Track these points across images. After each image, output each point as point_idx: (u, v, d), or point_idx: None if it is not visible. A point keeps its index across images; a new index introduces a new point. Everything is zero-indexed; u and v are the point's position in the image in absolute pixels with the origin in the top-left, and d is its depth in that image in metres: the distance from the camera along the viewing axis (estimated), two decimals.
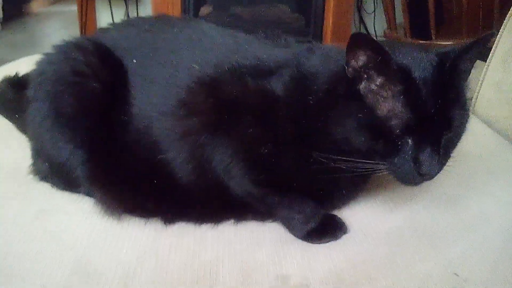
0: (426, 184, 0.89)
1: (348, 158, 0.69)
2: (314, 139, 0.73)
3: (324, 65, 0.75)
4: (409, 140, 0.68)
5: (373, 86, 0.68)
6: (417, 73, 0.67)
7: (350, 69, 0.68)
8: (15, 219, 0.80)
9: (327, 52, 0.80)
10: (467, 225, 0.81)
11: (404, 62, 0.68)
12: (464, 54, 0.70)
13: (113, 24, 0.98)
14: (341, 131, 0.70)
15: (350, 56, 0.67)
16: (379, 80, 0.68)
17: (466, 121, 0.73)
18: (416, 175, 0.69)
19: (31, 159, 0.90)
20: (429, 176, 0.70)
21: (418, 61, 0.69)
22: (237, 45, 0.84)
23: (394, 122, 0.67)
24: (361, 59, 0.67)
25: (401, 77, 0.67)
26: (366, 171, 0.71)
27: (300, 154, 0.74)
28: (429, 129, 0.68)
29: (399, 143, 0.68)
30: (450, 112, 0.69)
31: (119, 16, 3.48)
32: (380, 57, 0.65)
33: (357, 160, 0.69)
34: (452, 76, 0.70)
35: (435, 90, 0.67)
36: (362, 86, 0.69)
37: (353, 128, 0.69)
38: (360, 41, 0.65)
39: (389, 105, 0.67)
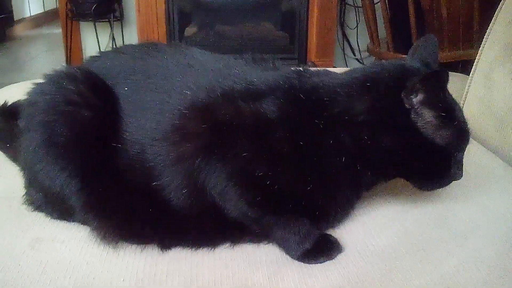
0: (416, 198, 0.91)
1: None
2: (318, 160, 0.75)
3: (340, 92, 0.77)
4: (458, 155, 0.80)
5: (431, 119, 0.74)
6: (451, 97, 0.77)
7: (409, 100, 0.74)
8: (10, 249, 0.79)
9: (335, 77, 0.82)
10: (459, 237, 0.83)
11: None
12: None
13: (103, 52, 0.98)
14: (392, 159, 0.77)
15: (416, 90, 0.72)
16: (439, 112, 0.74)
17: None
18: (451, 181, 0.82)
19: (24, 189, 0.89)
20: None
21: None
22: (228, 70, 0.85)
23: (453, 146, 0.77)
24: (424, 94, 0.72)
25: (452, 105, 0.76)
26: None
27: (296, 175, 0.75)
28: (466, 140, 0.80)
29: (452, 160, 0.79)
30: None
31: (104, 38, 3.49)
32: (442, 92, 0.73)
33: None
34: None
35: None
36: (416, 118, 0.74)
37: (410, 157, 0.77)
38: (441, 80, 0.71)
39: (447, 133, 0.76)
